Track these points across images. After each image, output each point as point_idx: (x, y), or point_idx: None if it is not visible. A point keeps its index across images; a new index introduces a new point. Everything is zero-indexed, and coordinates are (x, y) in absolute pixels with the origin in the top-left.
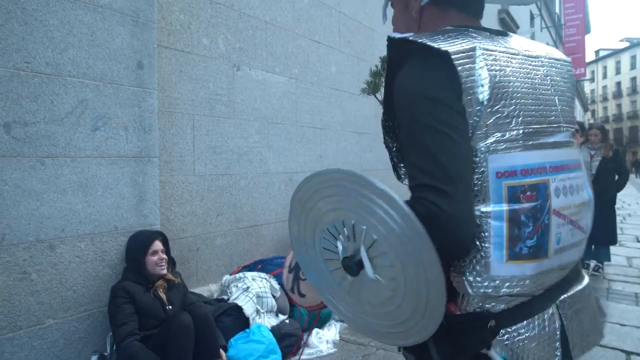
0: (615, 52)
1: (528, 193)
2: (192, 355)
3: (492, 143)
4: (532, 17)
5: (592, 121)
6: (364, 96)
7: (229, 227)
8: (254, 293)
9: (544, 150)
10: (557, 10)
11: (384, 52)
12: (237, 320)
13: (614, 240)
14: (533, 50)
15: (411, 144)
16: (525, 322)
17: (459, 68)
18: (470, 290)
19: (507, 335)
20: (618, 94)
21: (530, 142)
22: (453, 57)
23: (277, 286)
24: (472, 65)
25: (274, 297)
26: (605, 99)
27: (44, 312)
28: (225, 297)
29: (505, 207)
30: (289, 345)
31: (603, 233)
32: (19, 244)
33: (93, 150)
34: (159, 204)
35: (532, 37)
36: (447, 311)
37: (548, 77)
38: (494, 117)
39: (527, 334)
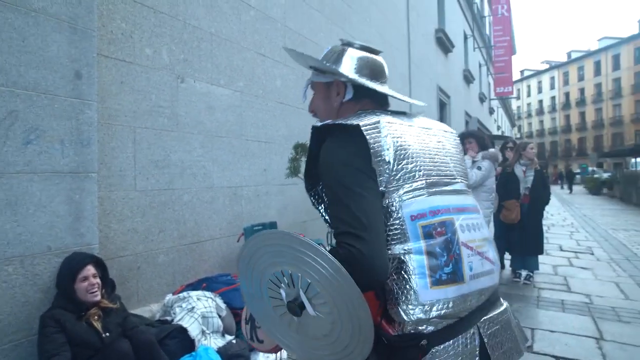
0: (538, 73)
1: (439, 229)
2: None
3: (403, 193)
4: (465, 37)
5: (518, 136)
6: (307, 112)
7: (172, 243)
8: (199, 313)
9: (446, 195)
10: (487, 32)
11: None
12: (182, 342)
13: (541, 250)
14: (427, 124)
15: (333, 201)
16: (451, 341)
17: (368, 137)
18: (405, 317)
19: (435, 353)
20: (540, 111)
21: (434, 189)
22: (362, 128)
23: (222, 305)
24: (379, 134)
25: (219, 316)
26: (529, 115)
27: None
28: (169, 318)
29: (422, 243)
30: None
31: (532, 243)
32: None
33: (24, 165)
34: (97, 221)
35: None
36: (385, 333)
37: (440, 143)
38: (401, 173)
39: (452, 351)
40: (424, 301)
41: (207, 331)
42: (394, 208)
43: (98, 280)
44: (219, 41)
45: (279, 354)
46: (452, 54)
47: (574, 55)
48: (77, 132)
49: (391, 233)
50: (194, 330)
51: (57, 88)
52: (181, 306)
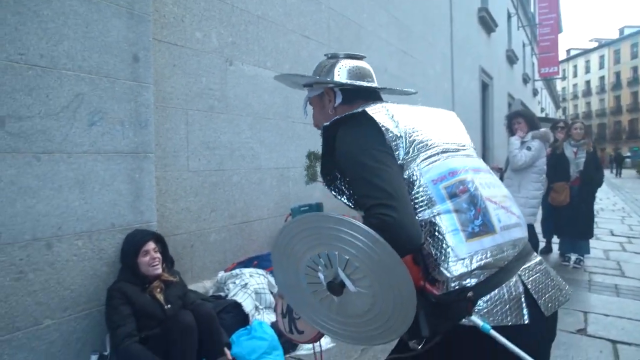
0: (585, 52)
1: (461, 187)
2: (196, 354)
3: (420, 162)
4: (509, 16)
5: (563, 117)
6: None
7: (223, 223)
8: (253, 289)
9: (460, 157)
10: (532, 9)
11: (371, 49)
12: (237, 317)
13: (591, 234)
14: (427, 109)
15: (358, 183)
16: (496, 290)
17: (376, 118)
18: (448, 275)
19: (484, 304)
20: (587, 92)
21: (448, 154)
22: (369, 112)
23: (274, 282)
24: (386, 114)
25: (272, 293)
26: (575, 96)
27: (41, 312)
28: (223, 294)
29: (449, 203)
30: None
31: (583, 227)
32: (15, 243)
33: (89, 145)
34: (155, 200)
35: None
36: (430, 294)
37: (443, 119)
38: (414, 144)
39: (498, 300)
40: (463, 255)
41: (260, 306)
42: (415, 177)
43: (159, 254)
44: (266, 24)
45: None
46: (495, 33)
47: (627, 32)
48: (135, 114)
49: (417, 201)
50: (247, 306)
51: (117, 71)
52: (235, 282)
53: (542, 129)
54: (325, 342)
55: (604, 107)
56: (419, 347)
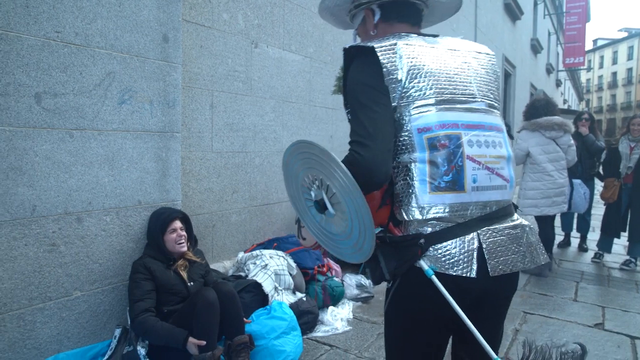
0: (613, 42)
1: (442, 142)
2: (218, 330)
3: (412, 109)
4: (535, 4)
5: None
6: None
7: (244, 204)
8: (272, 270)
9: (457, 112)
10: None
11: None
12: (257, 296)
13: None
14: (455, 46)
15: (351, 115)
16: (449, 241)
17: (381, 57)
18: (405, 217)
19: (434, 252)
20: (613, 84)
21: (442, 106)
22: (377, 50)
23: (293, 264)
24: (393, 55)
25: (290, 275)
26: (600, 88)
27: (71, 284)
28: (243, 274)
29: (427, 153)
30: (307, 322)
31: (638, 228)
32: (49, 215)
33: (119, 123)
34: (180, 179)
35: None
36: (392, 234)
37: (465, 64)
38: (411, 90)
39: (449, 251)
40: (422, 204)
41: (280, 287)
42: (404, 122)
43: (185, 232)
44: (291, 6)
45: (346, 310)
46: (520, 21)
47: None
48: (164, 93)
49: (400, 143)
50: (267, 286)
51: (148, 51)
52: (255, 263)
53: (535, 119)
54: (342, 325)
55: (630, 100)
56: (389, 284)
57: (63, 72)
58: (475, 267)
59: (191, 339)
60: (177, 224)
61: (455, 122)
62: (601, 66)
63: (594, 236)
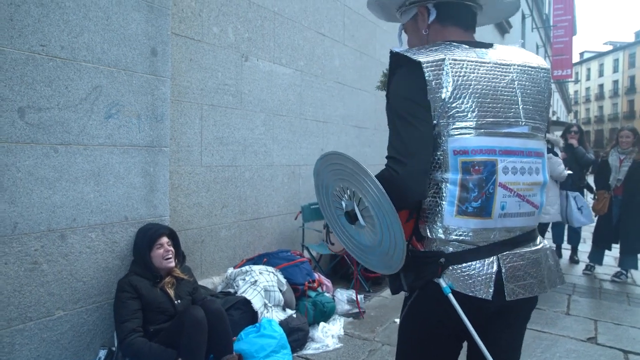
0: (599, 55)
1: (477, 167)
2: (206, 349)
3: (451, 129)
4: (523, 17)
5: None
6: (365, 91)
7: (234, 219)
8: (262, 287)
9: (497, 137)
10: (547, 11)
11: (385, 47)
12: (245, 314)
13: None
14: (508, 59)
15: (390, 127)
16: (469, 263)
17: (427, 74)
18: (429, 234)
19: (453, 271)
20: (600, 96)
21: (482, 130)
22: (424, 65)
23: (283, 280)
24: (440, 72)
25: (280, 291)
26: (587, 100)
27: (53, 303)
28: (232, 290)
29: (459, 176)
30: (297, 339)
31: (631, 240)
32: (31, 233)
33: (106, 138)
34: (168, 194)
35: (522, 46)
36: (415, 248)
37: (515, 82)
38: (453, 111)
39: (468, 272)
40: (447, 225)
41: (269, 304)
42: (441, 140)
43: (172, 248)
44: (282, 20)
45: (337, 326)
46: (509, 34)
47: None
48: (152, 107)
49: (435, 161)
50: (257, 303)
51: (136, 65)
52: (244, 279)
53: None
54: (333, 342)
55: (617, 112)
56: (407, 294)
57: (48, 86)
58: (492, 290)
59: None
60: (164, 239)
61: (492, 148)
62: (588, 78)
63: (584, 248)
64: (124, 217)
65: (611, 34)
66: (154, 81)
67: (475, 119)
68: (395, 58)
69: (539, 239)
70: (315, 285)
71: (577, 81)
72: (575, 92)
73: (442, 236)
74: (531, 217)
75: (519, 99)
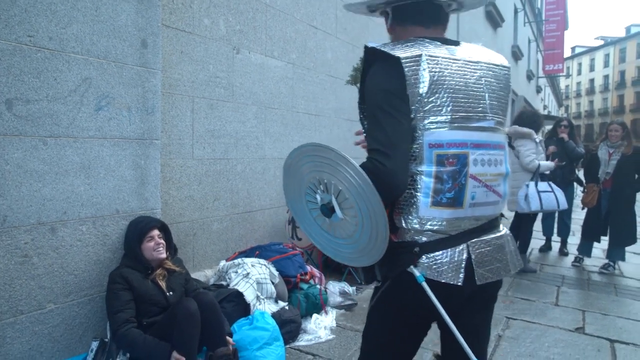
0: (590, 50)
1: (450, 160)
2: (198, 342)
3: (427, 123)
4: (515, 12)
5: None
6: (357, 84)
7: (226, 212)
8: (254, 279)
9: (468, 131)
10: (539, 5)
11: (378, 40)
12: (238, 306)
13: (631, 240)
14: (475, 56)
15: (371, 120)
16: (441, 251)
17: (406, 69)
18: (404, 225)
19: (426, 260)
20: (591, 91)
21: (456, 124)
22: (402, 61)
23: (275, 273)
24: (417, 68)
25: (273, 283)
26: (578, 95)
27: (44, 296)
28: (224, 283)
29: (434, 168)
30: (289, 331)
31: (620, 232)
32: (21, 226)
33: (96, 130)
34: (160, 187)
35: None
36: (390, 239)
37: (482, 79)
38: (429, 105)
39: (440, 260)
40: (421, 215)
41: (262, 296)
42: (417, 134)
43: (163, 241)
44: (274, 12)
45: (329, 318)
46: (501, 28)
47: (633, 30)
48: (142, 99)
49: (411, 153)
50: (249, 295)
51: (126, 56)
52: (236, 272)
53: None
54: (326, 333)
55: (607, 106)
56: (379, 285)
57: (36, 77)
58: (462, 275)
59: (174, 354)
60: (155, 232)
61: (465, 142)
62: (579, 73)
63: (574, 240)
64: (115, 210)
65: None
66: (144, 73)
67: (449, 114)
68: (371, 53)
69: (501, 225)
70: (308, 277)
71: (568, 76)
72: (567, 86)
73: (417, 226)
74: (496, 206)
75: (486, 95)
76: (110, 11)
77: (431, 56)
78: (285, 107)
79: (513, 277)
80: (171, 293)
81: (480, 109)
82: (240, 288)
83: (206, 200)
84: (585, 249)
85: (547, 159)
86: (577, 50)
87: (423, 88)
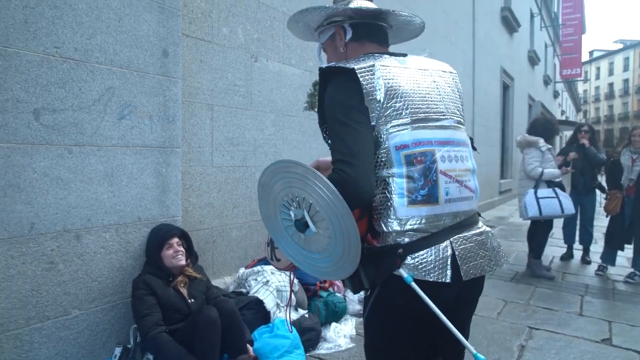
0: (609, 53)
1: (419, 158)
2: (219, 349)
3: (390, 127)
4: (532, 16)
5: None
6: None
7: (245, 219)
8: (274, 287)
9: (430, 130)
10: (555, 9)
11: (393, 47)
12: (258, 314)
13: None
14: (424, 65)
15: (332, 134)
16: (425, 250)
17: (361, 79)
18: (385, 228)
19: (411, 260)
20: (610, 95)
21: (417, 125)
22: (357, 71)
23: (295, 280)
24: (372, 76)
25: (292, 291)
26: (597, 99)
27: (70, 302)
28: (244, 291)
29: (404, 169)
30: (309, 339)
31: None
32: (47, 233)
33: (119, 139)
34: (181, 195)
35: (431, 55)
36: (370, 245)
37: (434, 82)
38: (389, 110)
39: (426, 259)
40: (400, 216)
41: (282, 304)
42: (382, 139)
43: (181, 248)
44: None
45: (349, 326)
46: (518, 33)
47: None
48: (164, 108)
49: (379, 160)
50: (269, 303)
51: (147, 66)
52: (256, 279)
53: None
54: (345, 342)
55: (627, 111)
56: (367, 294)
57: (62, 87)
58: (449, 272)
59: None
60: (175, 240)
61: (429, 140)
62: (598, 77)
63: (596, 248)
64: (137, 218)
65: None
66: (165, 82)
67: (409, 116)
68: (325, 73)
69: (480, 222)
70: (327, 285)
71: (586, 80)
72: (585, 91)
73: (398, 228)
74: (471, 201)
75: (441, 97)
76: (132, 22)
77: (383, 65)
78: (303, 114)
79: (534, 285)
80: (192, 300)
81: (438, 109)
82: (260, 295)
83: (225, 207)
84: (609, 257)
85: (567, 166)
86: (596, 54)
87: (380, 95)
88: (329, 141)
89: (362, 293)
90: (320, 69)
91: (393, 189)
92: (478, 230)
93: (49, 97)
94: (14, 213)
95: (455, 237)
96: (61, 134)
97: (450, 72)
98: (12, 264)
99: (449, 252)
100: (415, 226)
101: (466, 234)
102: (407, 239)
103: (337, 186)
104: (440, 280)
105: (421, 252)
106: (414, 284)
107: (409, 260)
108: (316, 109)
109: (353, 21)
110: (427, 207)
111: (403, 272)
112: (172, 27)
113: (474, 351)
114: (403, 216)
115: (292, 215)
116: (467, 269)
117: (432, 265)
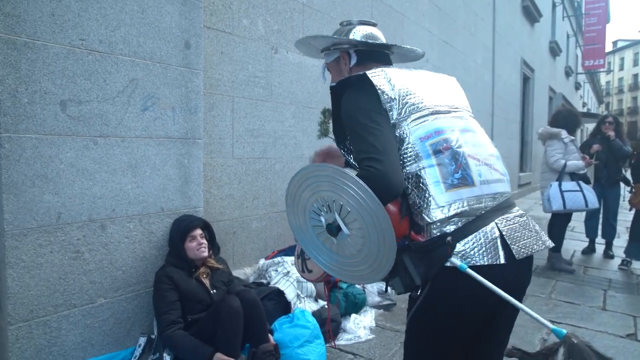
0: (634, 43)
1: (444, 145)
2: (242, 338)
3: (411, 121)
4: (554, 5)
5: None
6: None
7: (265, 210)
8: (295, 278)
9: (449, 119)
10: None
11: (413, 38)
12: (279, 304)
13: None
14: (429, 73)
15: (354, 138)
16: (473, 234)
17: (374, 81)
18: (428, 220)
19: (462, 247)
20: (634, 87)
21: (436, 115)
22: (370, 75)
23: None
24: (384, 78)
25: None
26: (620, 91)
27: (95, 291)
28: (264, 281)
29: (433, 158)
30: (329, 330)
31: None
32: (73, 223)
33: (142, 130)
34: (202, 186)
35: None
36: (417, 242)
37: (442, 82)
38: (406, 106)
39: (476, 243)
40: (442, 203)
41: (302, 295)
42: (405, 135)
43: (204, 240)
44: (310, 12)
45: (368, 317)
46: (539, 24)
47: None
48: (186, 99)
49: (406, 156)
50: (290, 294)
51: (170, 57)
52: (277, 270)
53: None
54: (365, 333)
55: None
56: (418, 293)
57: (87, 79)
58: (502, 253)
59: (219, 355)
60: (198, 231)
61: (451, 127)
62: (621, 68)
63: (619, 242)
64: (160, 208)
65: None
66: (187, 74)
67: (427, 108)
68: (338, 87)
69: (516, 207)
70: None
71: (609, 71)
72: (607, 82)
73: (442, 215)
74: (504, 183)
75: (451, 94)
76: (155, 13)
77: (392, 70)
78: (323, 106)
79: (555, 279)
80: (215, 291)
81: (451, 102)
82: (280, 286)
83: (246, 198)
84: (633, 251)
85: (591, 158)
86: (620, 45)
87: (394, 93)
88: (352, 146)
89: (388, 288)
90: (332, 87)
91: (427, 180)
92: (518, 212)
93: (75, 89)
94: (42, 203)
95: (500, 218)
96: (86, 125)
97: (450, 77)
98: (40, 252)
99: (497, 233)
100: (459, 210)
101: (508, 215)
102: (453, 227)
103: (367, 182)
104: (495, 263)
105: (470, 237)
106: (469, 270)
107: (459, 247)
108: (330, 135)
109: (358, 48)
110: (465, 189)
111: (456, 261)
112: (193, 19)
113: (552, 326)
114: (444, 202)
115: (323, 220)
116: (517, 248)
117: (483, 249)
